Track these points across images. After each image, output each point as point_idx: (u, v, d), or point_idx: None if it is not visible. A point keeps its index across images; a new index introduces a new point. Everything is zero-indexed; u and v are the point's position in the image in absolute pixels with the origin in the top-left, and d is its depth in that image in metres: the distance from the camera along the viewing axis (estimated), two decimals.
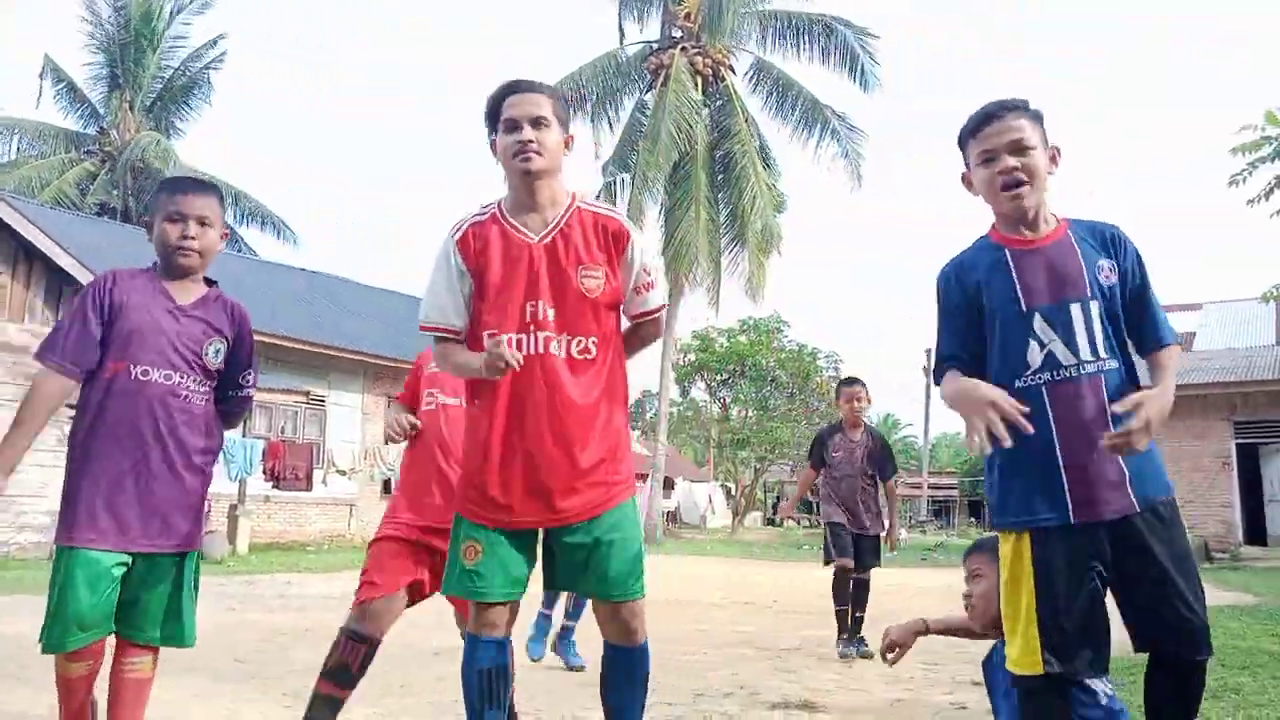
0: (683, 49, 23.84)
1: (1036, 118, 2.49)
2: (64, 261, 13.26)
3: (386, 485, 19.65)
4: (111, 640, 2.87)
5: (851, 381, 6.39)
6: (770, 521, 38.17)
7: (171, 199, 2.87)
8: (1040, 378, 2.37)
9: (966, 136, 2.53)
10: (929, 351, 31.83)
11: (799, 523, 37.62)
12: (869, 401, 6.33)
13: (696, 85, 23.53)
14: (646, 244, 2.74)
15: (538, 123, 2.60)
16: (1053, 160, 2.48)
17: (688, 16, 24.09)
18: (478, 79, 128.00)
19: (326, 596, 8.36)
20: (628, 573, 2.56)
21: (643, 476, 28.03)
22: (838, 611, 6.05)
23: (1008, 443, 2.19)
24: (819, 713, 4.10)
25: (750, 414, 29.21)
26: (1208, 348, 20.32)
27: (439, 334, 2.73)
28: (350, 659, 3.05)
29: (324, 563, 13.38)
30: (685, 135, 22.60)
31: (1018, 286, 2.41)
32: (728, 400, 30.02)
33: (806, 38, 24.08)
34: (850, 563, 6.07)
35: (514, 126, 2.60)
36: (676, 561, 16.39)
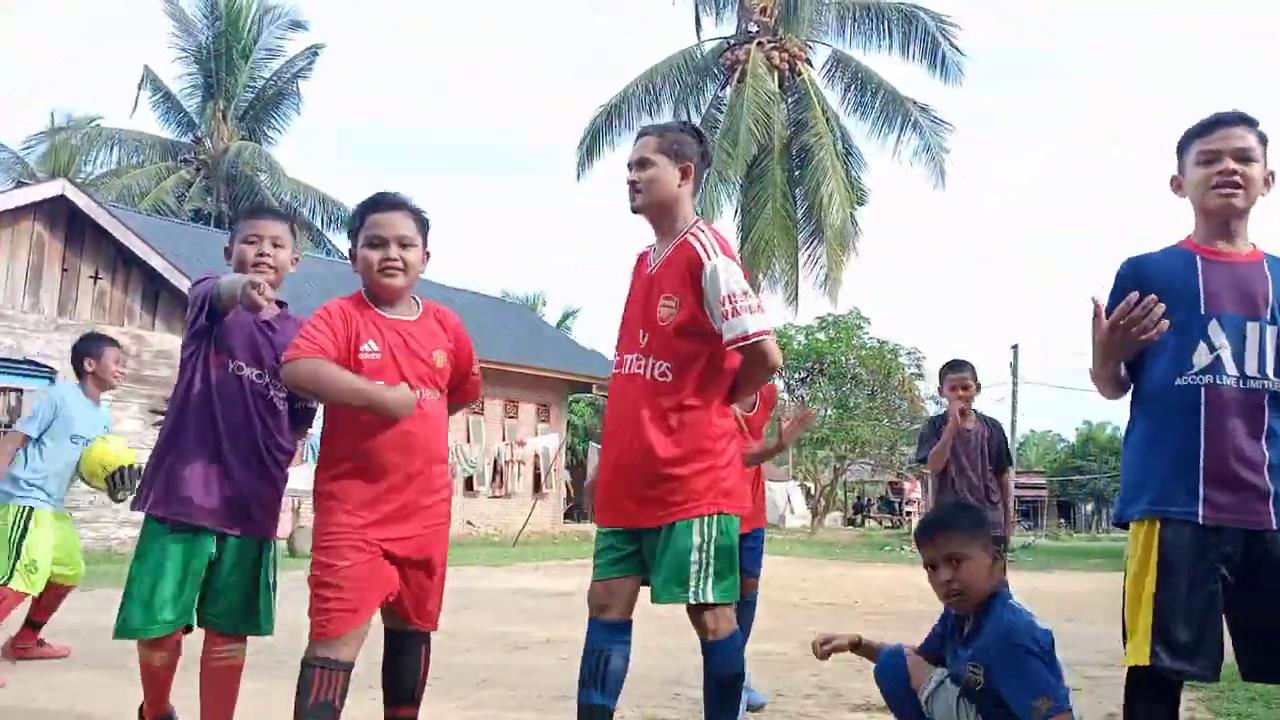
0: (759, 44, 23.68)
1: (1263, 138, 2.57)
2: (159, 266, 13.77)
3: (469, 482, 19.98)
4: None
5: (957, 366, 5.59)
6: (850, 521, 37.71)
7: (250, 222, 3.18)
8: (1201, 379, 2.44)
9: (1192, 138, 2.59)
10: (1015, 347, 30.80)
11: (880, 523, 37.08)
12: (978, 387, 5.63)
13: (773, 79, 23.35)
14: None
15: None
16: (1266, 183, 2.56)
17: (764, 10, 23.92)
18: (566, 83, 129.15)
19: None
20: (669, 578, 2.76)
21: None
22: None
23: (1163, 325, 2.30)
24: (884, 713, 4.02)
25: (830, 412, 28.84)
26: None
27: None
28: (332, 693, 2.70)
29: None
30: (762, 130, 22.44)
31: (1202, 291, 2.48)
32: (806, 398, 29.71)
33: (886, 27, 23.67)
34: None
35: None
36: None
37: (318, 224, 30.82)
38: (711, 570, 2.75)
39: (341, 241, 31.00)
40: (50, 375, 12.79)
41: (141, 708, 3.35)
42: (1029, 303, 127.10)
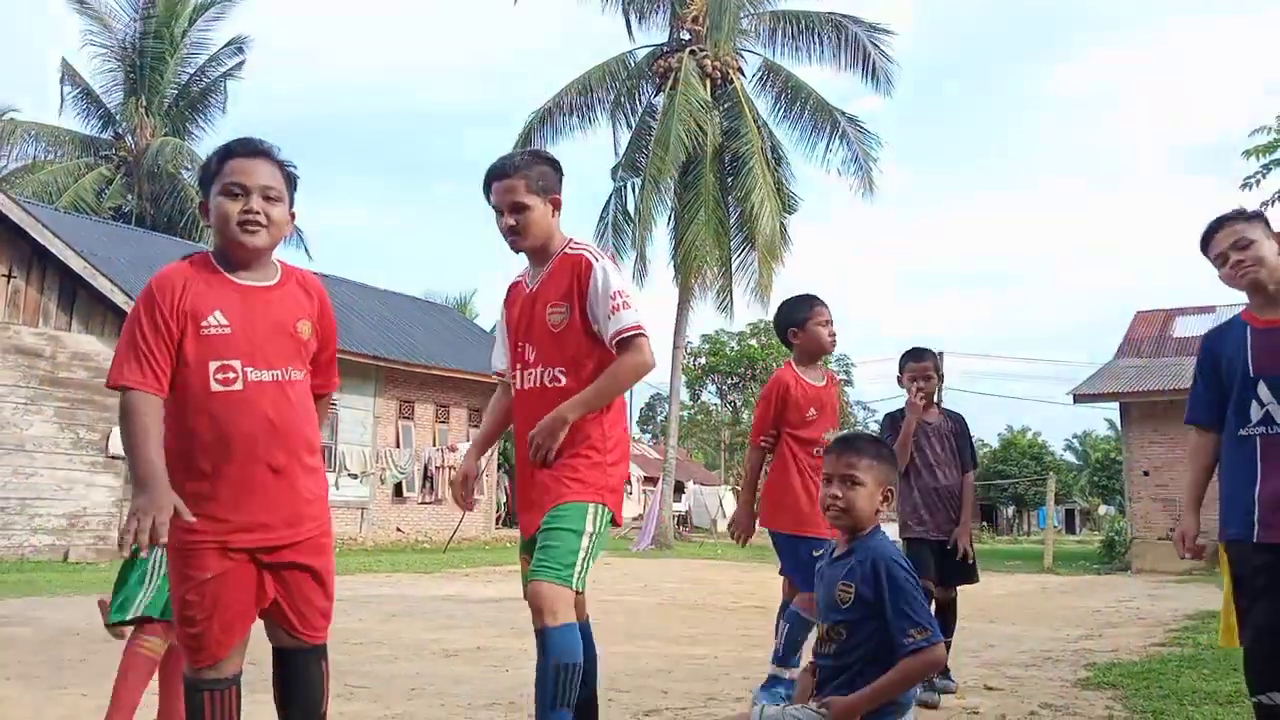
0: (691, 51, 23.85)
1: (1254, 217, 3.17)
2: (77, 265, 13.34)
3: (398, 489, 19.71)
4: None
5: (917, 354, 5.01)
6: None
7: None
8: (1257, 430, 3.01)
9: (1204, 249, 3.23)
10: (940, 354, 31.80)
11: None
12: (941, 378, 5.16)
13: (705, 87, 23.52)
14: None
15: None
16: None
17: (695, 19, 24.09)
18: (488, 79, 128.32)
19: (338, 599, 8.38)
20: (546, 558, 2.82)
21: (653, 480, 28.01)
22: None
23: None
24: None
25: None
26: None
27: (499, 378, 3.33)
28: (228, 712, 2.47)
29: (336, 565, 13.40)
30: (694, 137, 22.58)
31: (1249, 356, 3.05)
32: (738, 403, 29.94)
33: (816, 37, 24.00)
34: (932, 584, 4.79)
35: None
36: (687, 565, 16.37)
37: None
38: (589, 559, 2.83)
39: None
40: None
41: None
42: (952, 309, 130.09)
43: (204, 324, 2.37)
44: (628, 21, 24.61)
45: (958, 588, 4.98)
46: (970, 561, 4.91)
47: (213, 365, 2.37)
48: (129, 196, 28.09)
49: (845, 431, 3.16)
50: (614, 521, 2.98)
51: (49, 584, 9.64)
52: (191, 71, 29.54)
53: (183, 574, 2.38)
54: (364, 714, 4.03)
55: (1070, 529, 54.98)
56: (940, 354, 6.40)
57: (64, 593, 8.87)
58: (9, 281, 13.08)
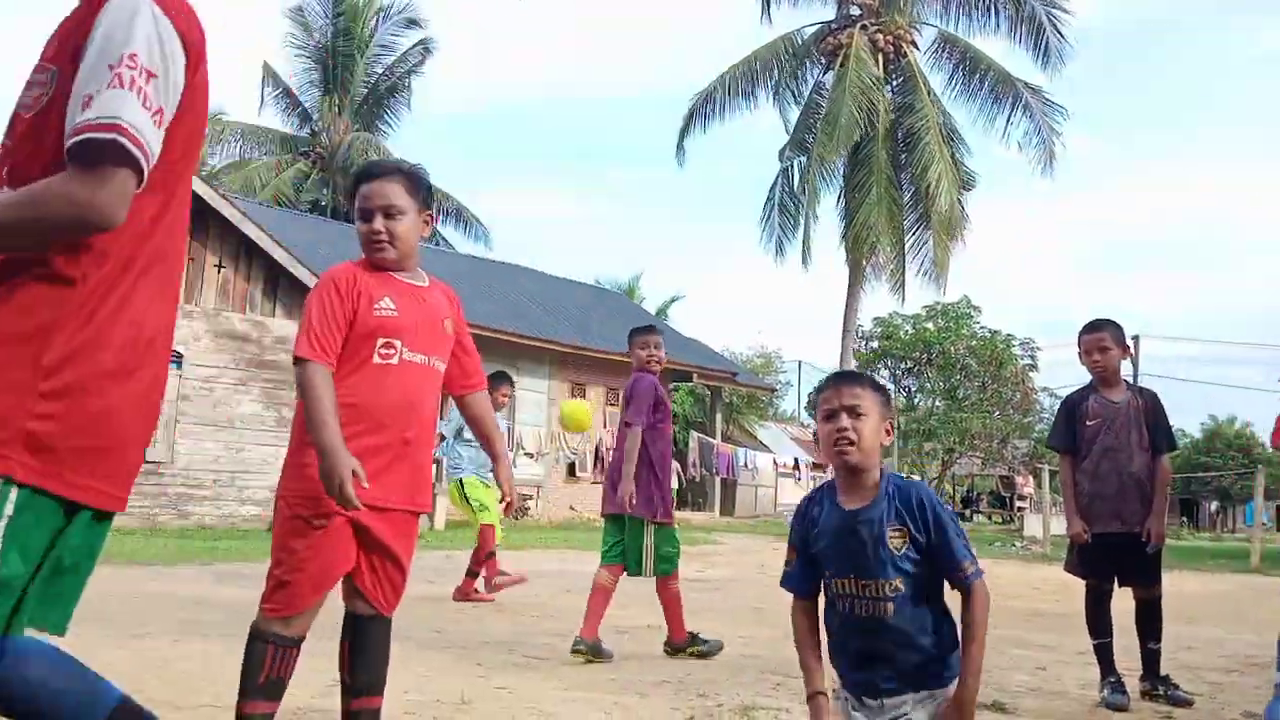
0: (862, 26, 23.24)
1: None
2: (279, 256, 14.35)
3: (571, 468, 20.25)
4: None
5: (1094, 326, 4.62)
6: (959, 515, 36.83)
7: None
8: None
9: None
10: (1135, 339, 30.05)
11: (990, 518, 36.09)
12: (1125, 352, 4.69)
13: (876, 63, 22.90)
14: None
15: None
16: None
17: None
18: (663, 65, 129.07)
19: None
20: None
21: (822, 466, 27.65)
22: (1095, 646, 4.46)
23: None
24: (1010, 715, 3.95)
25: (938, 404, 28.17)
26: None
27: None
28: (285, 670, 2.63)
29: (511, 540, 13.92)
30: (865, 114, 22.04)
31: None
32: (913, 389, 29.07)
33: (993, 8, 22.96)
34: (1111, 584, 4.51)
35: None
36: None
37: None
38: None
39: (450, 233, 31.77)
40: (177, 359, 13.47)
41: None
42: (1149, 294, 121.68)
43: (377, 306, 2.68)
44: (765, 5, 24.16)
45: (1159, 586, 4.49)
46: (1157, 552, 4.44)
47: (379, 341, 2.68)
48: (324, 190, 29.95)
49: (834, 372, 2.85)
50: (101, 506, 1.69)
51: (256, 551, 10.45)
52: (380, 71, 31.15)
53: (298, 521, 2.60)
54: (541, 684, 4.18)
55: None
56: (1136, 337, 6.06)
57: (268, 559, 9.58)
58: (219, 272, 14.22)
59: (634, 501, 5.00)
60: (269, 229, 14.70)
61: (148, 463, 5.62)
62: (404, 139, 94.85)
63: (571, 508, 20.12)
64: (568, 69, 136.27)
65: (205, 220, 13.98)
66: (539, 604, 6.95)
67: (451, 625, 5.83)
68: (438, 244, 29.62)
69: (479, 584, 7.15)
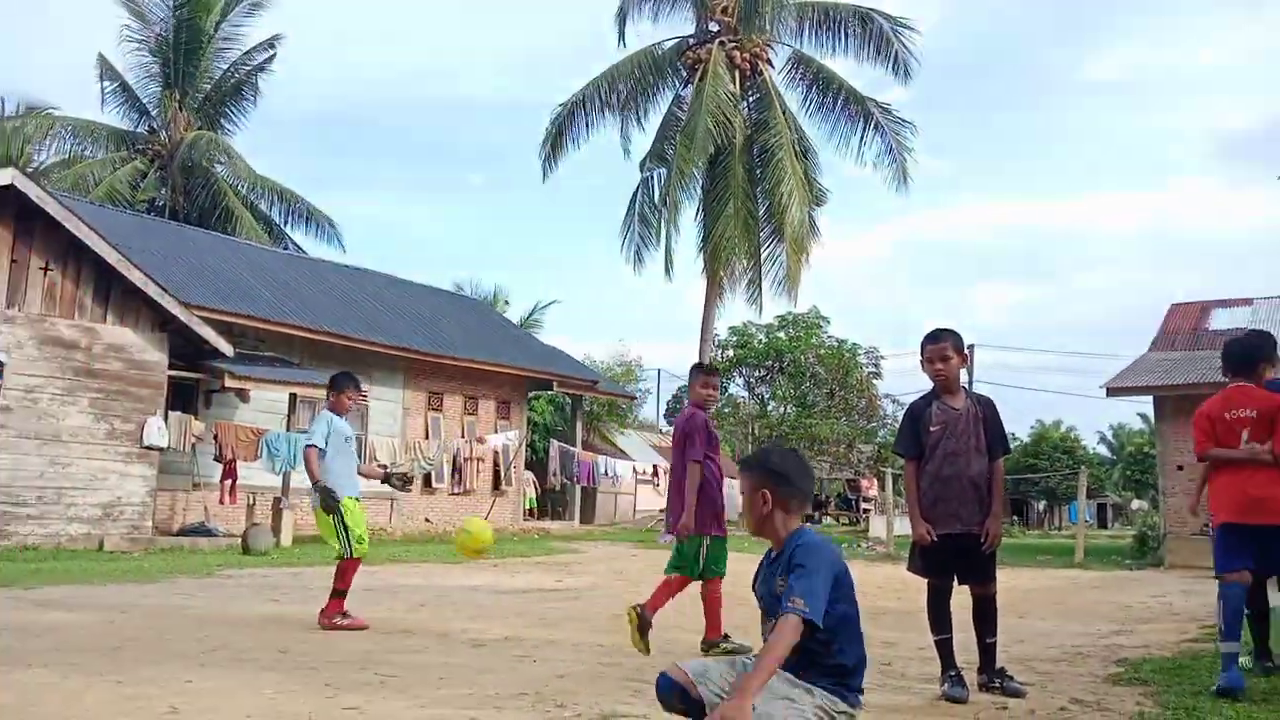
0: (720, 43, 23.78)
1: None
2: (112, 258, 13.51)
3: (427, 479, 19.85)
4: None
5: (936, 336, 4.81)
6: (808, 518, 37.88)
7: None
8: None
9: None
10: (971, 348, 31.41)
11: (838, 520, 37.34)
12: (964, 360, 4.93)
13: (734, 79, 23.47)
14: None
15: None
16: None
17: (724, 10, 24.03)
18: (521, 71, 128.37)
19: (367, 589, 8.46)
20: None
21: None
22: (937, 642, 4.67)
23: None
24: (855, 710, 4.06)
25: (789, 410, 29.03)
26: None
27: None
28: None
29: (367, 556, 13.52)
30: (722, 129, 22.54)
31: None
32: (766, 396, 29.86)
33: (843, 29, 23.88)
34: (951, 582, 4.73)
35: None
36: None
37: (275, 217, 30.43)
38: None
39: (300, 237, 30.71)
40: None
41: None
42: (984, 302, 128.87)
43: None
44: (621, 28, 24.52)
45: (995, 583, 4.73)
46: (992, 552, 4.66)
47: None
48: (163, 190, 28.42)
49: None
50: None
51: (84, 572, 9.80)
52: (225, 66, 29.81)
53: None
54: (393, 703, 4.06)
55: (1103, 524, 54.33)
56: (971, 346, 6.50)
57: (98, 581, 9.02)
58: (45, 274, 13.27)
59: (687, 531, 5.82)
60: (101, 229, 13.83)
61: None
62: (252, 138, 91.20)
63: (427, 520, 19.71)
64: (426, 70, 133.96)
65: (30, 219, 13.03)
66: (391, 620, 6.77)
67: (297, 645, 5.60)
68: (286, 247, 28.56)
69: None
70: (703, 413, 5.98)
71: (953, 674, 4.54)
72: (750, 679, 2.61)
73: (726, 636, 5.82)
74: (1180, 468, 17.90)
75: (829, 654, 2.81)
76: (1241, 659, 4.75)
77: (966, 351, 5.07)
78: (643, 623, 5.41)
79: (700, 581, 5.86)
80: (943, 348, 4.75)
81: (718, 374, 6.29)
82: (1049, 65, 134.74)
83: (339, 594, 6.43)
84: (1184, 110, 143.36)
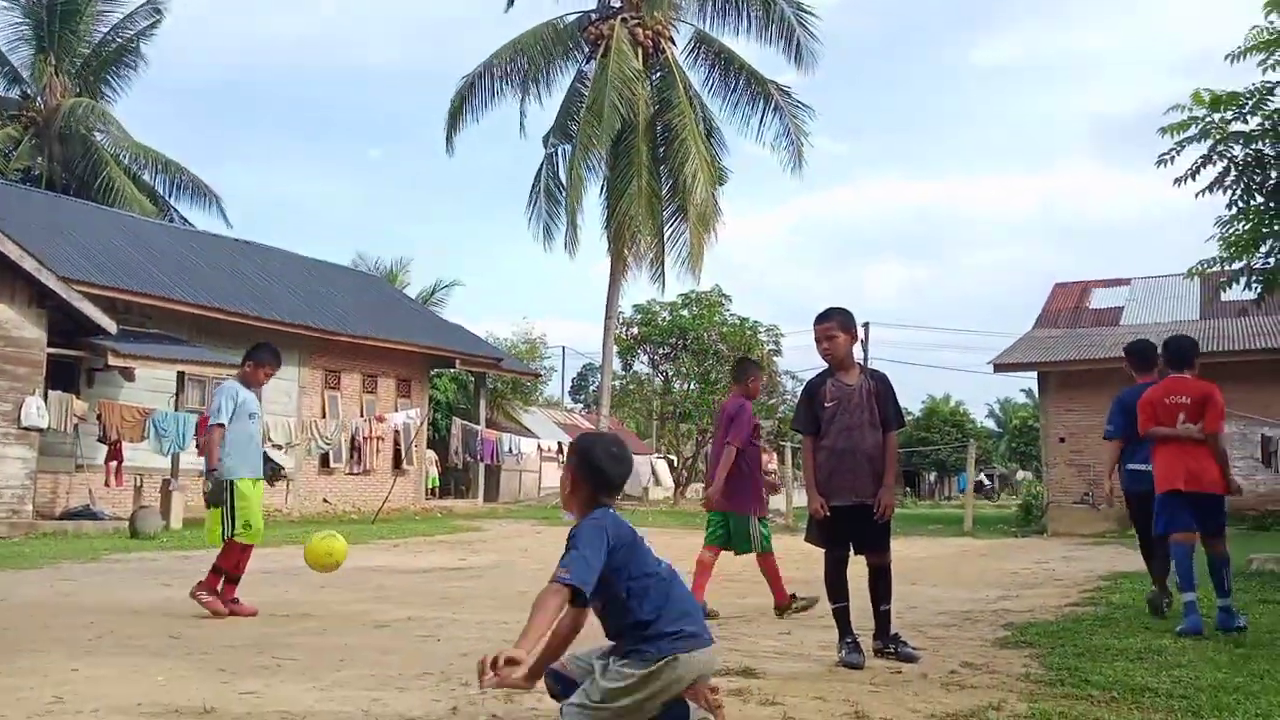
0: (622, 19, 23.68)
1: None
2: None
3: (325, 459, 19.41)
4: None
5: (823, 316, 4.94)
6: None
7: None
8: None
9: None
10: (865, 325, 32.29)
11: None
12: (853, 338, 4.98)
13: (637, 56, 23.41)
14: None
15: None
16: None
17: None
18: (421, 41, 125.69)
19: (264, 572, 8.24)
20: None
21: None
22: (834, 610, 4.80)
23: None
24: (758, 679, 4.15)
25: (692, 387, 29.34)
26: (1135, 322, 20.89)
27: None
28: None
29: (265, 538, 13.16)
30: (627, 106, 22.49)
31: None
32: (670, 373, 30.12)
33: (746, 10, 24.04)
34: (847, 552, 4.86)
35: None
36: None
37: (160, 189, 29.18)
38: None
39: (186, 209, 29.52)
40: None
41: None
42: (878, 281, 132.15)
43: None
44: None
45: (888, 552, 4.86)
46: (887, 522, 4.79)
47: None
48: (39, 159, 26.95)
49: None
50: None
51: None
52: (105, 30, 28.34)
53: None
54: (293, 686, 3.98)
55: (987, 495, 56.57)
56: (867, 324, 6.80)
57: None
58: None
59: (722, 499, 6.48)
60: None
61: None
62: (135, 107, 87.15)
63: (325, 500, 19.30)
64: (320, 38, 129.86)
65: None
66: (289, 603, 6.61)
67: (189, 630, 5.43)
68: (171, 220, 27.43)
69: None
70: (749, 403, 6.65)
71: (849, 641, 4.66)
72: (521, 639, 2.77)
73: (795, 596, 6.39)
74: (1062, 439, 18.76)
75: (629, 614, 2.96)
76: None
77: (859, 330, 5.27)
78: (706, 614, 5.57)
79: (743, 555, 6.60)
80: (828, 327, 4.88)
81: (763, 369, 7.10)
82: (941, 48, 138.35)
83: (219, 571, 6.13)
84: (1066, 95, 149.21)
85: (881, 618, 4.81)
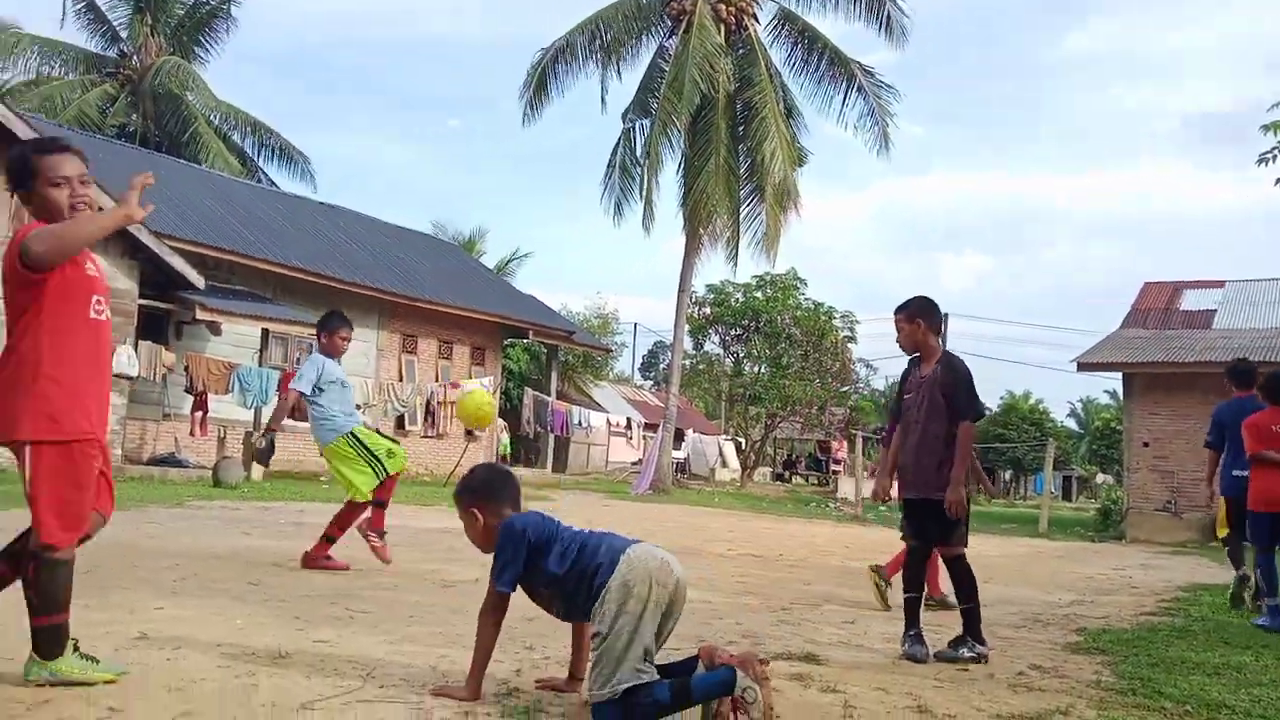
0: None
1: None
2: None
3: (400, 421, 19.81)
4: None
5: (900, 306, 4.90)
6: (779, 477, 38.31)
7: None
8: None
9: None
10: (944, 316, 31.68)
11: (807, 480, 37.73)
12: (924, 328, 4.81)
13: (719, 32, 23.13)
14: None
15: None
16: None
17: None
18: (486, 17, 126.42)
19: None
20: None
21: (654, 426, 28.13)
22: (905, 600, 4.74)
23: None
24: (820, 665, 4.13)
25: (763, 370, 29.15)
26: (1228, 326, 20.10)
27: None
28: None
29: (334, 493, 13.49)
30: (708, 82, 22.25)
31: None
32: (741, 355, 29.96)
33: None
34: (920, 544, 4.83)
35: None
36: (685, 512, 16.51)
37: (248, 149, 29.91)
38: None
39: (274, 171, 30.20)
40: None
41: None
42: (961, 271, 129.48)
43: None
44: None
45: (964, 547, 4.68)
46: (956, 519, 4.59)
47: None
48: (133, 115, 27.81)
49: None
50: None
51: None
52: None
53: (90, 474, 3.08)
54: (364, 638, 4.08)
55: (1067, 496, 55.31)
56: (945, 315, 6.60)
57: None
58: (13, 196, 12.98)
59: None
60: None
61: None
62: (223, 67, 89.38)
63: None
64: (406, 8, 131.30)
65: None
66: (364, 559, 6.77)
67: (269, 578, 5.60)
68: (259, 180, 28.10)
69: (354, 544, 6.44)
70: None
71: (913, 633, 4.58)
72: (471, 674, 3.26)
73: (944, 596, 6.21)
74: (1146, 444, 18.17)
75: (585, 588, 3.16)
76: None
77: (937, 319, 4.95)
78: (942, 605, 5.94)
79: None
80: (899, 318, 4.88)
81: None
82: (1028, 38, 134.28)
83: (330, 540, 6.22)
84: (1160, 89, 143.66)
85: (963, 616, 4.63)
